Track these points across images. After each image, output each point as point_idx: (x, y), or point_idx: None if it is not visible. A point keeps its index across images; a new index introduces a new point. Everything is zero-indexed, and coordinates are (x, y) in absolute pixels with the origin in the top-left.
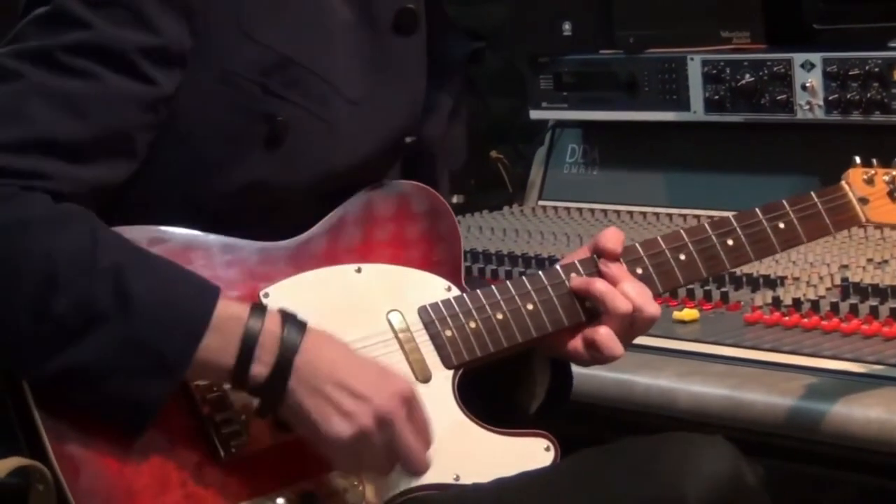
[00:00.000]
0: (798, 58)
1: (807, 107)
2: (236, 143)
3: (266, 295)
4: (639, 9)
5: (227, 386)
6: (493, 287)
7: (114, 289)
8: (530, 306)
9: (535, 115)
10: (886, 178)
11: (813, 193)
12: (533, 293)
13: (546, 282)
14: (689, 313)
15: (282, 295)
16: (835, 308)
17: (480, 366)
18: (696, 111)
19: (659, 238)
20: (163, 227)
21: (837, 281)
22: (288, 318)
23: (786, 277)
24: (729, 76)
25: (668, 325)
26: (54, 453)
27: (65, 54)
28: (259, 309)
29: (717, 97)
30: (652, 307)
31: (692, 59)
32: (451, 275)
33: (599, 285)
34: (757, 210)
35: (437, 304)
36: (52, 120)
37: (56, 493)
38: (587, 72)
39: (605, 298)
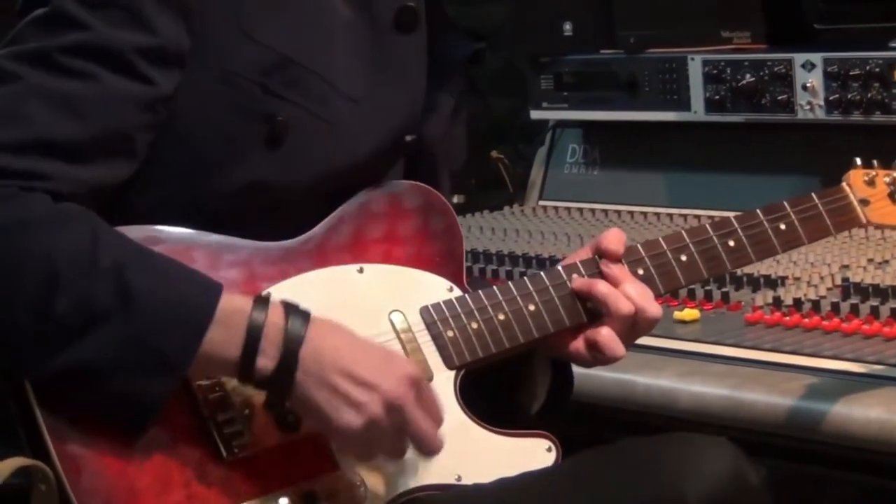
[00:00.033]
0: (799, 58)
1: (807, 107)
2: (236, 143)
3: (268, 295)
4: (639, 9)
5: (230, 384)
6: (494, 287)
7: (114, 288)
8: (532, 307)
9: (535, 115)
10: (887, 179)
11: (814, 195)
12: (535, 294)
13: (548, 282)
14: (689, 313)
15: (283, 295)
16: (835, 308)
17: (482, 366)
18: (697, 111)
19: (660, 239)
20: (163, 227)
21: (838, 281)
22: (291, 309)
23: (787, 277)
24: (729, 76)
25: (668, 325)
26: (56, 453)
27: (63, 55)
28: (262, 301)
29: (717, 97)
30: (653, 308)
31: (693, 59)
32: (453, 275)
33: (601, 286)
34: (758, 211)
35: (439, 304)
36: (50, 121)
37: (58, 492)
38: (588, 72)
39: (606, 300)
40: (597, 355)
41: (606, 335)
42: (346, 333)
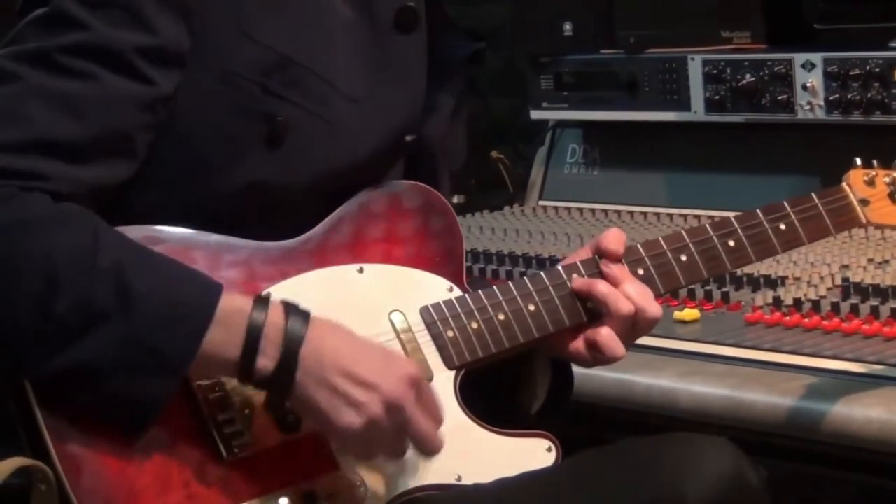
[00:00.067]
0: (799, 58)
1: (807, 107)
2: (236, 144)
3: (268, 295)
4: (639, 9)
5: (230, 384)
6: (494, 287)
7: (114, 288)
8: (532, 307)
9: (535, 115)
10: (887, 179)
11: (814, 195)
12: (535, 294)
13: (548, 282)
14: (689, 313)
15: (283, 295)
16: (835, 308)
17: (482, 366)
18: (697, 111)
19: (660, 239)
20: (163, 227)
21: (838, 281)
22: (291, 309)
23: (787, 277)
24: (729, 76)
25: (668, 325)
26: (56, 453)
27: (63, 55)
28: (262, 301)
29: (717, 97)
30: (653, 308)
31: (693, 59)
32: (453, 275)
33: (601, 287)
34: (758, 211)
35: (439, 304)
36: (50, 121)
37: (58, 493)
38: (588, 72)
39: (606, 300)
40: (597, 355)
41: (606, 335)
42: (347, 333)
